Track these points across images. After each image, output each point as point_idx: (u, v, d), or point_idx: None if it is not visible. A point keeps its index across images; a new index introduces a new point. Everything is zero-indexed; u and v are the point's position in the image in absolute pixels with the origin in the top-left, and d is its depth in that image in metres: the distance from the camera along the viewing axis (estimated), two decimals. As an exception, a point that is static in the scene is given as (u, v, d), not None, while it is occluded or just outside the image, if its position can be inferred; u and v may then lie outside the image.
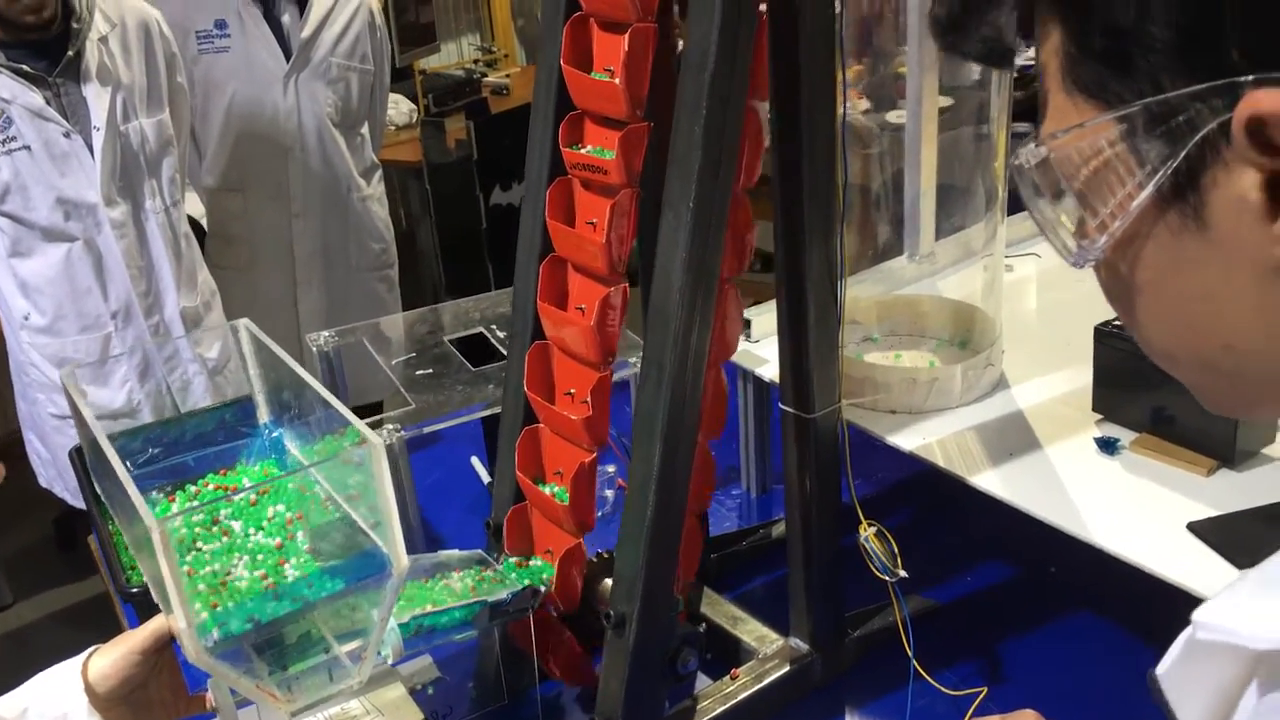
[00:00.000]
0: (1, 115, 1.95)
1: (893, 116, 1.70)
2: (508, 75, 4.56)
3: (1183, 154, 0.40)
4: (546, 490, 1.13)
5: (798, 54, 1.00)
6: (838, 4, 1.00)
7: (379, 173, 2.79)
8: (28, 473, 2.34)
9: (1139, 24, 0.40)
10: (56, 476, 2.28)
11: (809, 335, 1.11)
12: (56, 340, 2.10)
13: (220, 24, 2.48)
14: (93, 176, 2.01)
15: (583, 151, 1.06)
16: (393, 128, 3.97)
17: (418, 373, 1.52)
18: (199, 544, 0.89)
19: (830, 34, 1.02)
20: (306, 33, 2.50)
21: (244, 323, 1.07)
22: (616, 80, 1.00)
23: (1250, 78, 0.37)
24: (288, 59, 2.51)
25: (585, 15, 1.04)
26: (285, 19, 2.52)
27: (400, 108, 4.11)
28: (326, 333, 1.61)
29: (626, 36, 0.99)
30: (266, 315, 2.65)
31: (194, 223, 2.58)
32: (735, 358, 1.47)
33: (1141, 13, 0.39)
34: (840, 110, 1.04)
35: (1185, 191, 0.41)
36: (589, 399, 1.09)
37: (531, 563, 1.15)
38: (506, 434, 1.19)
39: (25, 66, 1.95)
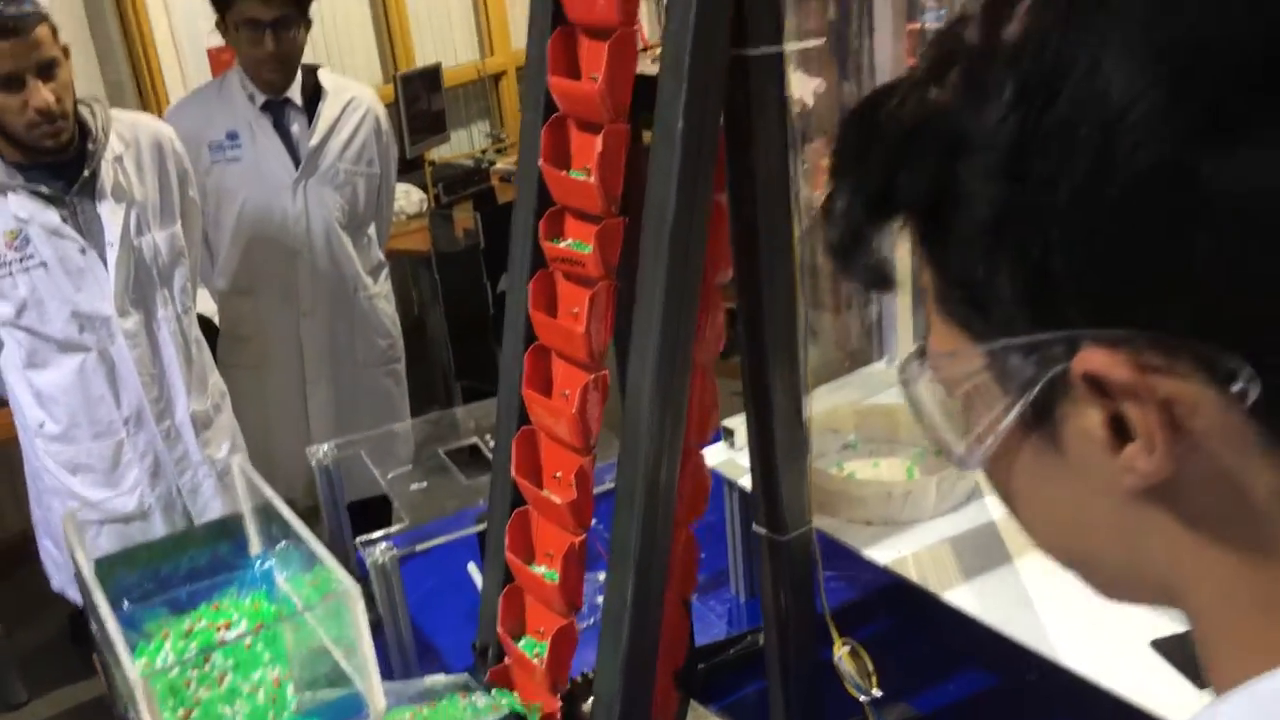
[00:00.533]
0: (20, 234, 2.04)
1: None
2: (516, 162, 4.67)
3: (1035, 390, 0.45)
4: (537, 570, 1.16)
5: (755, 201, 1.06)
6: (792, 156, 1.05)
7: (385, 270, 2.87)
8: (42, 573, 2.39)
9: (988, 277, 0.44)
10: (69, 581, 2.32)
11: (777, 460, 1.15)
12: (70, 447, 2.16)
13: (232, 135, 2.58)
14: (107, 289, 2.09)
15: (562, 245, 1.10)
16: (404, 216, 4.08)
17: (412, 486, 1.57)
18: (190, 685, 0.94)
19: (785, 176, 1.07)
20: (314, 141, 2.60)
21: (237, 460, 1.12)
22: (592, 179, 1.05)
23: (1089, 332, 0.42)
24: (296, 166, 2.60)
25: (563, 116, 1.10)
26: (294, 128, 2.62)
27: (411, 197, 4.23)
28: (326, 446, 1.66)
29: (600, 137, 1.04)
30: (276, 411, 2.72)
31: (206, 321, 2.67)
32: (719, 467, 1.52)
33: (989, 270, 0.44)
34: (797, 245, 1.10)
35: (1042, 421, 0.46)
36: (573, 482, 1.13)
37: (522, 641, 1.18)
38: (495, 527, 1.22)
39: (43, 187, 2.04)
